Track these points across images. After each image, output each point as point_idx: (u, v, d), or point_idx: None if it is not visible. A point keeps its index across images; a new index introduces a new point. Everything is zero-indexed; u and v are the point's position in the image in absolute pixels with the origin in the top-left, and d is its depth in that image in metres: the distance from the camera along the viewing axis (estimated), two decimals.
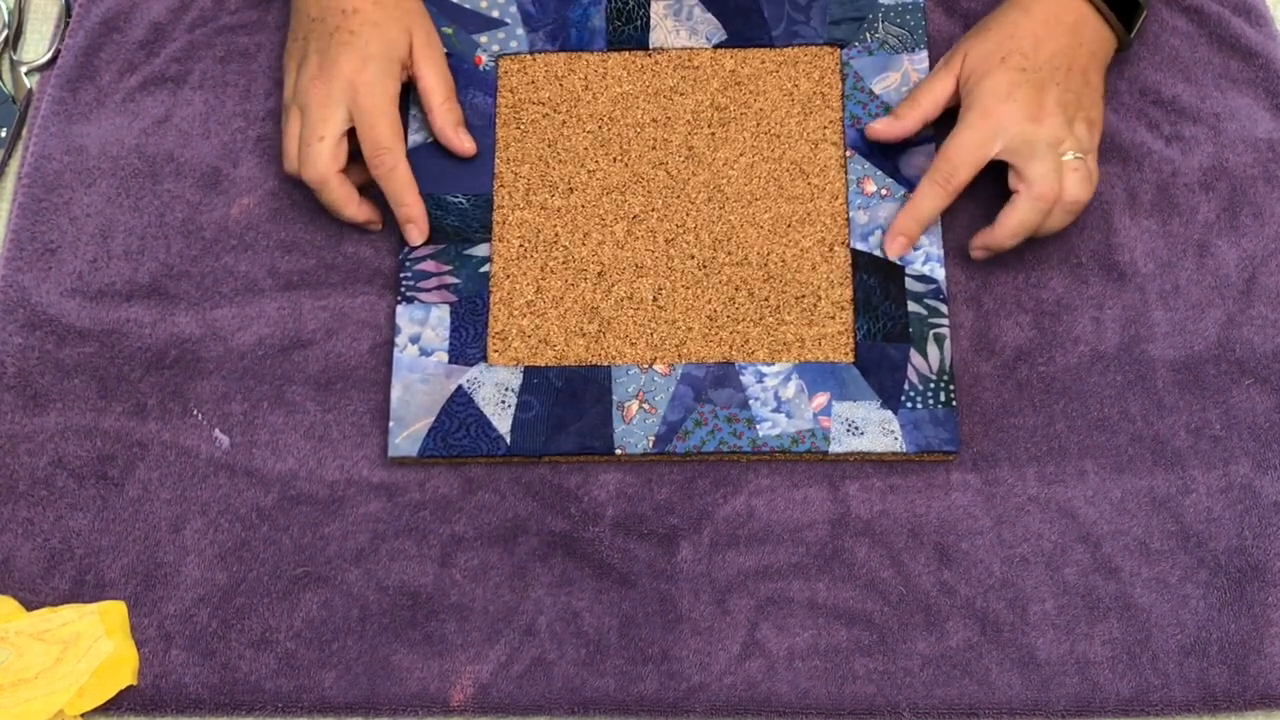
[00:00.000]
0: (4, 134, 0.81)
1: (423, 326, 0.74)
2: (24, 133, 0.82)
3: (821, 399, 0.72)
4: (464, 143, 0.77)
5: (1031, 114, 0.72)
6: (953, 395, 0.72)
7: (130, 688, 0.70)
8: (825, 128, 0.78)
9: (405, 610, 0.71)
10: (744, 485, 0.73)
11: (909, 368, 0.73)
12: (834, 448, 0.72)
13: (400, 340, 0.74)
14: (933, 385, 0.72)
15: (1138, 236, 0.77)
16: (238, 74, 0.82)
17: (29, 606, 0.71)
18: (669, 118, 0.79)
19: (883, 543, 0.72)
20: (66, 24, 0.84)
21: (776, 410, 0.72)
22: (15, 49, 0.84)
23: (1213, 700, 0.69)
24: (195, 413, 0.75)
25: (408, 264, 0.76)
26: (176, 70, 0.82)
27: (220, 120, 0.81)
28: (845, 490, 0.73)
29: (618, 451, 0.72)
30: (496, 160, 0.78)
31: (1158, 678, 0.69)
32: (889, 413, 0.72)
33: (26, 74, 0.83)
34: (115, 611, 0.70)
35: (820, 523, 0.72)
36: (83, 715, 0.69)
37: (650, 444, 0.72)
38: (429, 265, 0.76)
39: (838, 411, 0.72)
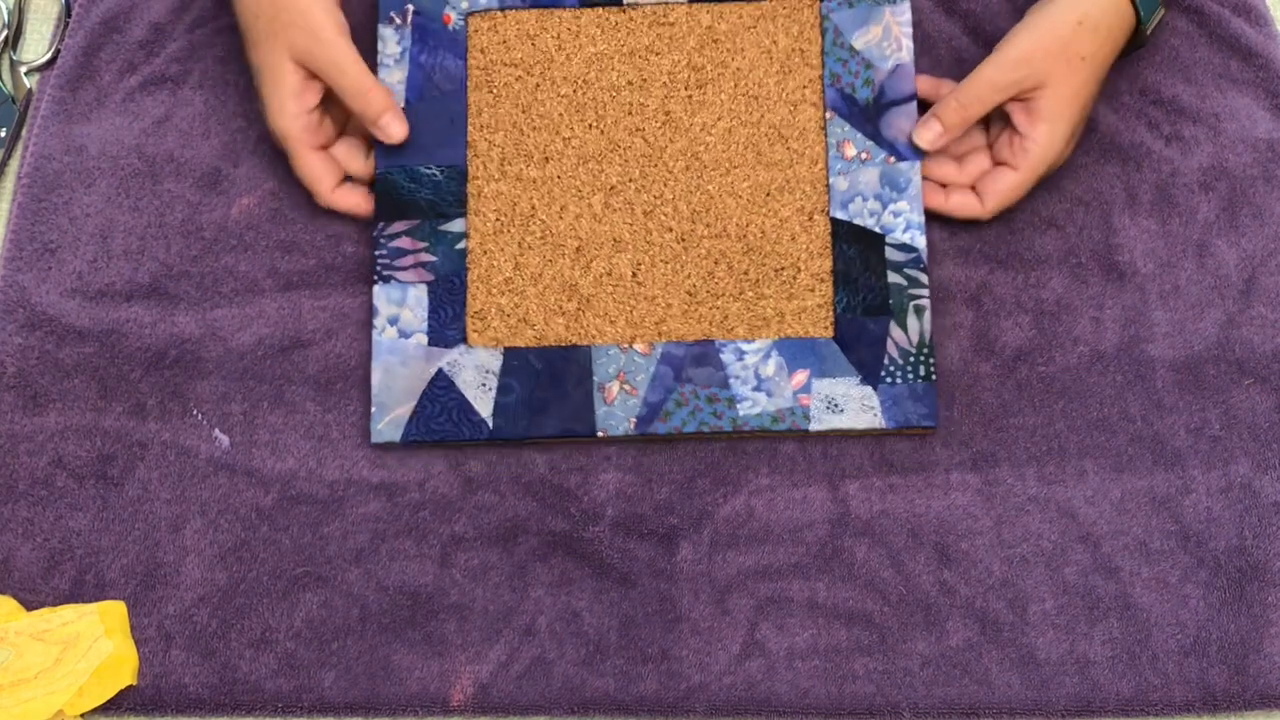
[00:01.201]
0: (4, 134, 0.82)
1: (400, 307, 0.74)
2: (24, 133, 0.82)
3: (801, 376, 0.72)
4: (389, 131, 0.75)
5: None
6: (932, 369, 0.72)
7: (130, 688, 0.70)
8: (805, 87, 0.76)
9: (405, 610, 0.71)
10: (744, 485, 0.73)
11: (889, 341, 0.72)
12: (814, 426, 0.71)
13: (378, 322, 0.74)
14: (912, 359, 0.72)
15: (1138, 236, 0.77)
16: (238, 74, 0.82)
17: (29, 606, 0.71)
18: (645, 80, 0.77)
19: (883, 542, 0.72)
20: (66, 24, 0.84)
21: (756, 389, 0.72)
22: (15, 49, 0.84)
23: (1213, 700, 0.69)
24: (195, 413, 0.75)
25: (382, 241, 0.75)
26: (177, 70, 0.82)
27: (220, 120, 0.81)
28: (845, 490, 0.73)
29: (599, 433, 0.72)
30: (470, 128, 0.76)
31: (1158, 678, 0.69)
32: (869, 389, 0.72)
33: (26, 74, 0.83)
34: (115, 611, 0.70)
35: (820, 522, 0.72)
36: (83, 715, 0.69)
37: (631, 426, 0.72)
38: (404, 242, 0.75)
39: (817, 389, 0.72)
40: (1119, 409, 0.74)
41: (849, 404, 0.71)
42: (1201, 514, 0.72)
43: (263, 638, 0.71)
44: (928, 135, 0.74)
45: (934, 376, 0.72)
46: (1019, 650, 0.70)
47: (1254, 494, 0.72)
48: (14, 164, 0.81)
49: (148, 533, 0.72)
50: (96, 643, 0.69)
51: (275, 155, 0.79)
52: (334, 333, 0.76)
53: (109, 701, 0.69)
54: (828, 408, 0.72)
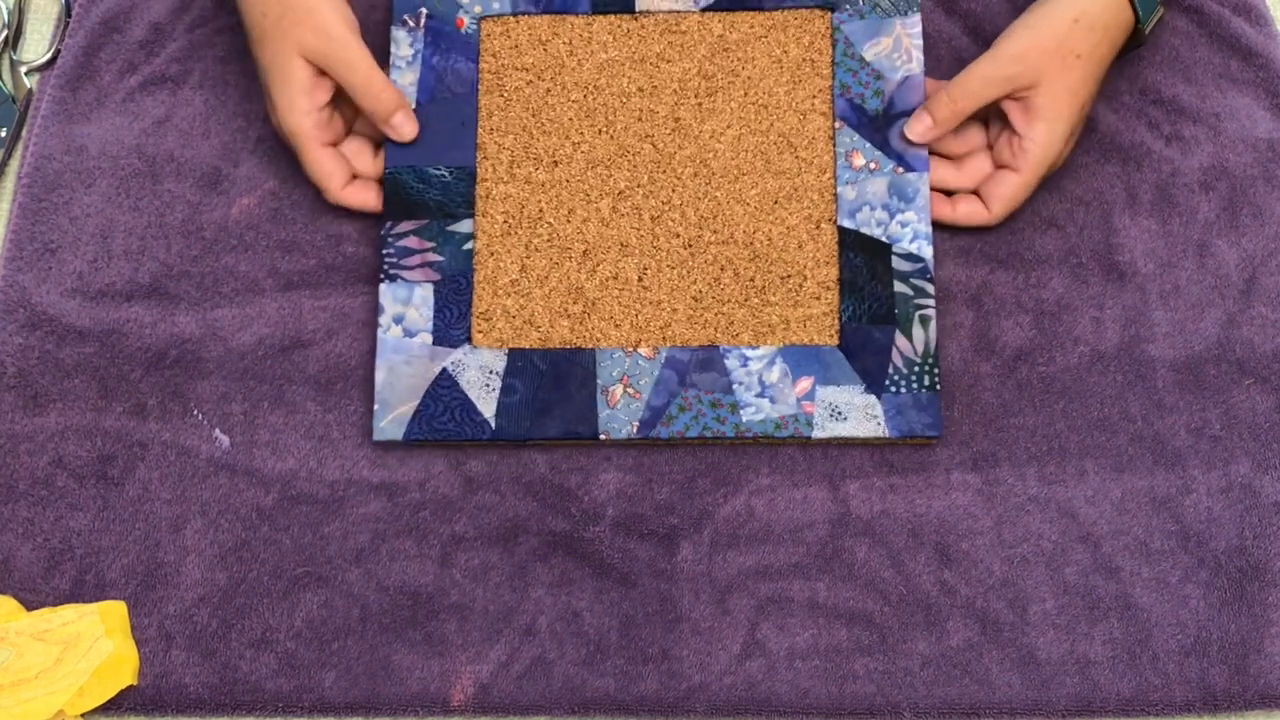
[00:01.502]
0: (4, 134, 0.81)
1: (406, 306, 0.74)
2: (24, 133, 0.82)
3: (805, 384, 0.72)
4: (401, 130, 0.75)
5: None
6: (937, 379, 0.72)
7: (130, 688, 0.70)
8: (814, 97, 0.77)
9: (405, 610, 0.71)
10: (744, 485, 0.73)
11: (894, 350, 0.72)
12: (817, 433, 0.71)
13: (384, 320, 0.74)
14: (917, 368, 0.72)
15: (1138, 236, 0.77)
16: (238, 74, 0.82)
17: (29, 606, 0.71)
18: (655, 86, 0.77)
19: (883, 542, 0.72)
20: (66, 24, 0.84)
21: (760, 395, 0.72)
22: (15, 49, 0.84)
23: (1213, 700, 0.69)
24: (195, 413, 0.75)
25: (389, 240, 0.75)
26: (177, 70, 0.82)
27: (221, 120, 0.81)
28: (845, 490, 0.73)
29: (602, 436, 0.72)
30: (479, 130, 0.77)
31: (1158, 678, 0.69)
32: (872, 397, 0.72)
33: (26, 74, 0.83)
34: (115, 611, 0.70)
35: (820, 522, 0.72)
36: (83, 715, 0.69)
37: (634, 429, 0.72)
38: (411, 241, 0.75)
39: (821, 396, 0.72)
40: (1119, 409, 0.74)
41: (852, 412, 0.71)
42: (1202, 514, 0.72)
43: (263, 638, 0.71)
44: (918, 128, 0.74)
45: (938, 386, 0.72)
46: (1019, 650, 0.70)
47: (1254, 494, 0.72)
48: (14, 164, 0.81)
49: (148, 533, 0.72)
50: (97, 643, 0.69)
51: (275, 155, 0.79)
52: (334, 333, 0.76)
53: (109, 701, 0.69)
54: (831, 415, 0.72)
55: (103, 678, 0.68)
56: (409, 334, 0.73)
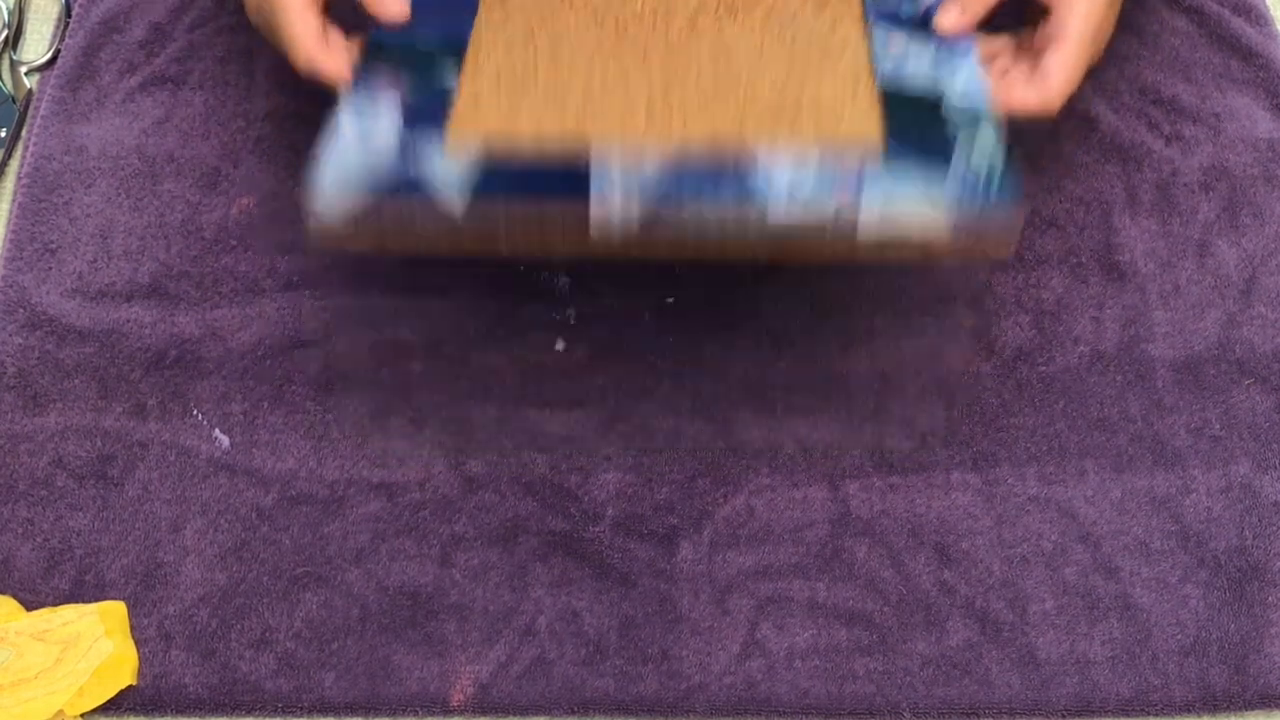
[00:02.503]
0: (4, 134, 0.82)
1: (371, 120, 0.63)
2: (24, 133, 0.82)
3: (847, 185, 0.60)
4: (388, 7, 0.68)
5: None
6: (1007, 182, 0.59)
7: (130, 688, 0.70)
8: (844, 13, 0.70)
9: (405, 610, 0.71)
10: (744, 485, 0.73)
11: (953, 154, 0.61)
12: (863, 228, 0.59)
13: (343, 126, 0.63)
14: (984, 165, 0.60)
15: (1138, 236, 0.77)
16: (238, 74, 0.82)
17: (29, 606, 0.71)
18: (670, 9, 0.70)
19: (883, 542, 0.72)
20: (66, 24, 0.84)
21: (792, 200, 0.59)
22: (15, 49, 0.84)
23: (1213, 700, 0.69)
24: (195, 413, 0.75)
25: (360, 78, 0.65)
26: (177, 70, 0.82)
27: (221, 120, 0.81)
28: (845, 490, 0.73)
29: (594, 235, 0.60)
30: (470, 46, 0.68)
31: (1158, 678, 0.69)
32: (933, 190, 0.59)
33: (26, 74, 0.83)
34: (115, 611, 0.70)
35: (820, 522, 0.72)
36: (83, 715, 0.69)
37: (634, 229, 0.60)
38: (384, 77, 0.66)
39: (867, 195, 0.59)
40: (1119, 409, 0.74)
41: (905, 203, 0.59)
42: (1202, 514, 0.72)
43: (263, 638, 0.71)
44: (948, 19, 0.68)
45: (1010, 170, 0.59)
46: (1019, 650, 0.70)
47: (1254, 494, 0.72)
48: (14, 164, 0.82)
49: (148, 533, 0.73)
50: (97, 643, 0.69)
51: (275, 155, 0.80)
52: (334, 333, 0.76)
53: (109, 701, 0.69)
54: (880, 202, 0.59)
55: (102, 678, 0.68)
56: (369, 140, 0.62)
